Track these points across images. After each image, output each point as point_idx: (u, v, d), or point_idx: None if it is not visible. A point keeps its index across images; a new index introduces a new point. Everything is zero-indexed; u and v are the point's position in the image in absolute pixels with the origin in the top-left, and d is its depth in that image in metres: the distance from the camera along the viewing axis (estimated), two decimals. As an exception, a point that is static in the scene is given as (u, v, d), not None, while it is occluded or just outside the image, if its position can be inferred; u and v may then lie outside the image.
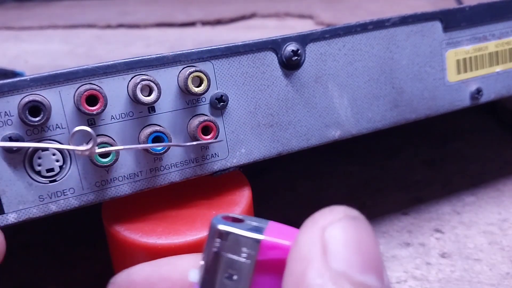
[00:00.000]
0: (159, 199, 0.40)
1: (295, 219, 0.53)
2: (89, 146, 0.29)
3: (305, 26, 1.15)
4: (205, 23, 1.26)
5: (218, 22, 1.26)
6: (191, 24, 1.26)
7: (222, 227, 0.24)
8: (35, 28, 1.34)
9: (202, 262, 0.24)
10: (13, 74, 0.61)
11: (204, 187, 0.41)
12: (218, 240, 0.23)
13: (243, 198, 0.41)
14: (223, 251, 0.23)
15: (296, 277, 0.19)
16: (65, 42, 1.20)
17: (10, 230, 0.34)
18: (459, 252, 0.48)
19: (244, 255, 0.23)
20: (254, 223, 0.24)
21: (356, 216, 0.21)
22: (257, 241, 0.23)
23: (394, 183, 0.60)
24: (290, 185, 0.61)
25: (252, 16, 1.30)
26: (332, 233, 0.19)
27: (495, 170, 0.61)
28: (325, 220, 0.20)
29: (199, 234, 0.37)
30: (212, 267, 0.24)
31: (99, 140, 0.34)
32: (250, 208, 0.41)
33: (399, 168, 0.63)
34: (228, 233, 0.23)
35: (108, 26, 1.30)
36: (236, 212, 0.39)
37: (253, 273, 0.23)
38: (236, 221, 0.24)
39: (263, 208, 0.53)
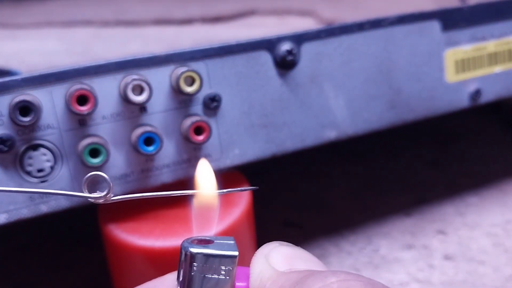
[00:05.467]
0: (156, 200, 0.40)
1: (296, 221, 0.54)
2: (104, 193, 0.28)
3: (305, 24, 1.15)
4: (204, 20, 1.26)
5: (217, 19, 1.25)
6: (190, 21, 1.26)
7: (197, 250, 0.24)
8: (31, 26, 1.34)
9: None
10: (9, 73, 0.61)
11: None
12: (195, 263, 0.24)
13: (242, 199, 0.40)
14: (202, 273, 0.24)
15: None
16: (62, 41, 1.20)
17: (5, 232, 0.34)
18: (462, 254, 0.47)
19: (223, 272, 0.24)
20: (223, 241, 0.25)
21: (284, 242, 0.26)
22: (234, 256, 0.24)
23: (397, 184, 0.59)
24: (291, 186, 0.61)
25: (251, 13, 1.30)
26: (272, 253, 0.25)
27: (498, 170, 0.60)
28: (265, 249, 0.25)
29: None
30: None
31: (90, 140, 0.34)
32: (250, 209, 0.41)
33: (402, 169, 0.63)
34: (204, 255, 0.24)
35: (106, 24, 1.30)
36: (236, 213, 0.39)
37: (233, 285, 0.24)
38: (205, 242, 0.25)
39: (263, 209, 0.53)
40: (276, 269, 0.24)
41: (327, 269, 0.24)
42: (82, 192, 0.26)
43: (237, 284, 0.24)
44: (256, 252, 0.25)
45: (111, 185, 0.26)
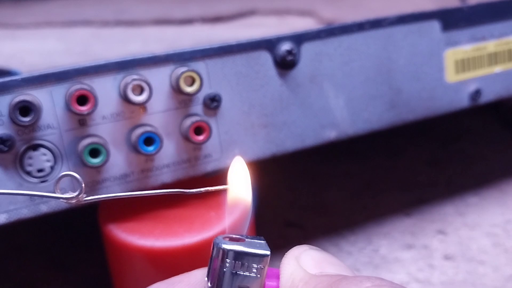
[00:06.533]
0: (156, 200, 0.40)
1: (296, 221, 0.54)
2: (76, 193, 0.26)
3: (305, 24, 1.15)
4: (204, 20, 1.26)
5: (217, 19, 1.25)
6: (190, 21, 1.26)
7: (230, 247, 0.24)
8: (31, 26, 1.34)
9: (209, 284, 0.25)
10: (9, 73, 0.61)
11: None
12: (227, 260, 0.24)
13: (242, 198, 0.40)
14: (234, 270, 0.24)
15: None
16: (62, 41, 1.20)
17: (5, 232, 0.34)
18: (462, 254, 0.47)
19: (254, 270, 0.24)
20: (254, 240, 0.25)
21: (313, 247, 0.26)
22: (266, 255, 0.24)
23: (397, 184, 0.59)
24: (291, 186, 0.61)
25: (251, 13, 1.30)
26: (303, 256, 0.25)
27: (498, 170, 0.60)
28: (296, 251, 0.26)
29: (198, 236, 0.37)
30: (223, 286, 0.24)
31: (90, 140, 0.34)
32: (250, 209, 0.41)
33: (401, 169, 0.63)
34: (237, 252, 0.24)
35: (105, 24, 1.30)
36: (236, 213, 0.39)
37: (263, 284, 0.24)
38: (236, 240, 0.25)
39: (264, 210, 0.53)
40: (308, 272, 0.24)
41: (355, 274, 0.25)
42: (54, 192, 0.26)
43: (267, 283, 0.24)
44: (286, 254, 0.25)
45: (83, 185, 0.26)
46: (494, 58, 0.46)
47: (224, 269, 0.24)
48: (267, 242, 0.26)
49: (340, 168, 0.64)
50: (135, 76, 0.34)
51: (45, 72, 0.33)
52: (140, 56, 0.35)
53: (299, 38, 0.39)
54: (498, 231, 0.50)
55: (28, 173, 0.34)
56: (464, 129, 0.70)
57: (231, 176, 0.29)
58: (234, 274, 0.24)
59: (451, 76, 0.45)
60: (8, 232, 0.35)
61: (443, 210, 0.54)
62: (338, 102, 0.41)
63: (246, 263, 0.24)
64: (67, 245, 0.52)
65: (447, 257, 0.47)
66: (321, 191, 0.59)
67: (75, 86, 0.33)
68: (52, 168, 0.34)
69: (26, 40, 1.24)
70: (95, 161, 0.34)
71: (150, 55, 0.35)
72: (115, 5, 1.51)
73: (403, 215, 0.54)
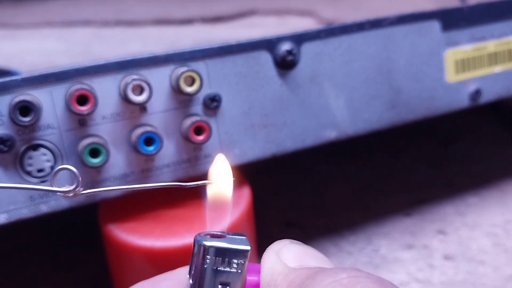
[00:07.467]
0: (156, 200, 0.40)
1: (296, 221, 0.54)
2: (73, 187, 0.26)
3: (305, 24, 1.15)
4: (204, 20, 1.26)
5: (217, 19, 1.25)
6: (190, 21, 1.26)
7: (210, 243, 0.24)
8: (31, 26, 1.34)
9: (191, 281, 0.25)
10: (9, 73, 0.61)
11: (202, 187, 0.41)
12: (208, 256, 0.24)
13: (243, 198, 0.40)
14: (214, 266, 0.24)
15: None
16: (62, 41, 1.20)
17: (5, 232, 0.34)
18: (462, 254, 0.47)
19: (235, 266, 0.24)
20: (235, 236, 0.26)
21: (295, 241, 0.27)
22: (246, 251, 0.25)
23: (397, 184, 0.59)
24: (291, 186, 0.61)
25: (251, 13, 1.30)
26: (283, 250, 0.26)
27: (498, 170, 0.60)
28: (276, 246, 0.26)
29: (198, 236, 0.37)
30: (204, 283, 0.24)
31: (90, 140, 0.34)
32: (250, 209, 0.41)
33: (402, 169, 0.62)
34: (217, 248, 0.24)
35: (106, 24, 1.30)
36: (236, 213, 0.39)
37: (244, 279, 0.25)
38: (217, 237, 0.25)
39: (263, 210, 0.53)
40: (287, 265, 0.24)
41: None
42: (51, 186, 0.26)
43: (248, 278, 0.25)
44: (267, 248, 0.26)
45: (79, 179, 0.26)
46: (494, 58, 0.46)
47: (205, 266, 0.24)
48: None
49: (340, 168, 0.64)
50: (135, 76, 0.34)
51: (45, 72, 0.33)
52: (140, 56, 0.35)
53: (299, 38, 0.39)
54: (498, 231, 0.50)
55: (28, 173, 0.34)
56: (464, 129, 0.70)
57: (213, 172, 0.29)
58: (215, 270, 0.24)
59: (451, 76, 0.45)
60: (8, 232, 0.35)
61: (443, 210, 0.54)
62: (338, 102, 0.41)
63: (227, 259, 0.24)
64: (67, 244, 0.52)
65: (447, 257, 0.47)
66: (321, 191, 0.59)
67: (75, 86, 0.33)
68: (52, 168, 0.34)
69: (26, 40, 1.24)
70: (95, 161, 0.34)
71: (150, 55, 0.35)
72: (115, 5, 1.51)
73: (403, 215, 0.54)
